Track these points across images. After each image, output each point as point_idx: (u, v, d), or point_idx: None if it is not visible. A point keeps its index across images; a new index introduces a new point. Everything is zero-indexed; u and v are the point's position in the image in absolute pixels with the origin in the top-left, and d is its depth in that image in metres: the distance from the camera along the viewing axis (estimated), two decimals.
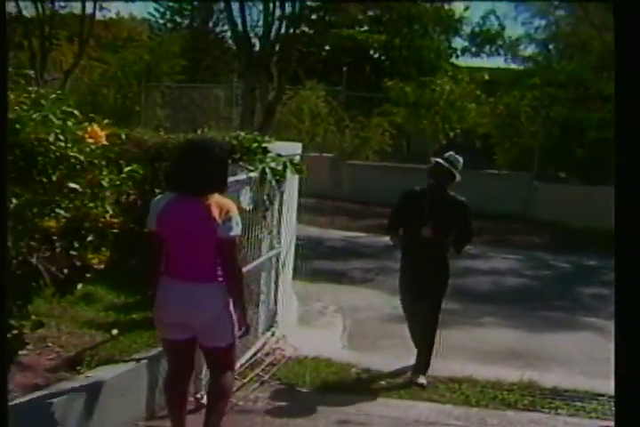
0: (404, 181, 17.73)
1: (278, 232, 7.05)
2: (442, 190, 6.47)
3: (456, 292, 10.93)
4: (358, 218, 16.78)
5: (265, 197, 6.50)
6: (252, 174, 6.21)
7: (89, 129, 3.97)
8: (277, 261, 7.13)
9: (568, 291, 11.29)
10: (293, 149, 7.64)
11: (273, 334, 7.16)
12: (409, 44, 24.63)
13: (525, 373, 6.92)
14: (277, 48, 17.03)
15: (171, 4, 30.67)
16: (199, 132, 7.33)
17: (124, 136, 4.61)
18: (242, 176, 6.02)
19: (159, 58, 21.50)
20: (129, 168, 4.40)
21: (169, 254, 4.41)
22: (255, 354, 6.64)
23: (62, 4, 19.29)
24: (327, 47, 28.97)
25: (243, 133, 7.04)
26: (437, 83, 20.51)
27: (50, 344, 5.17)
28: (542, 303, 10.52)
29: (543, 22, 26.70)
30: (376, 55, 27.30)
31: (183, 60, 22.88)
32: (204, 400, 5.39)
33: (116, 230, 4.88)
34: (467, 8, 26.71)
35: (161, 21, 31.61)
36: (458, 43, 27.63)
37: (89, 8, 18.77)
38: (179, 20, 31.52)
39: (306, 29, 29.45)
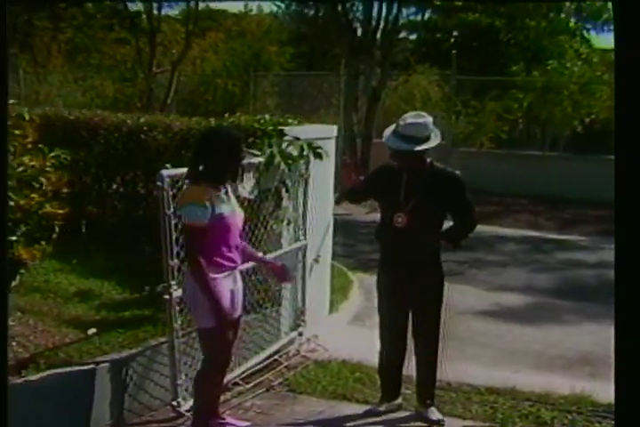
0: (521, 169, 17.14)
1: (303, 223, 6.45)
2: (420, 163, 4.86)
3: (548, 286, 10.09)
4: None
5: (278, 185, 5.93)
6: (256, 160, 5.66)
7: None
8: (304, 255, 6.52)
9: None
10: (326, 131, 7.00)
11: (300, 335, 6.56)
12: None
13: (583, 384, 6.03)
14: (380, 33, 16.33)
15: None
16: (226, 116, 6.82)
17: (27, 117, 4.12)
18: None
19: (266, 46, 21.25)
20: (52, 153, 3.94)
21: None
22: (271, 356, 6.09)
23: None
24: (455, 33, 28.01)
25: (267, 116, 6.51)
26: (566, 66, 19.26)
27: (14, 344, 4.79)
28: None
29: None
30: (505, 39, 26.06)
31: (291, 48, 22.55)
32: (182, 408, 4.93)
33: (60, 222, 4.49)
34: None
35: (286, 12, 31.46)
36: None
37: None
38: (305, 10, 31.21)
39: (433, 16, 28.74)
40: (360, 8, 16.78)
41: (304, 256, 6.52)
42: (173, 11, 25.74)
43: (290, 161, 5.79)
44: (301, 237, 6.45)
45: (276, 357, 6.14)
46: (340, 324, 7.64)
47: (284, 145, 5.97)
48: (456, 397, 5.73)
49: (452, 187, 4.90)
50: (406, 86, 18.62)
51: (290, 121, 6.44)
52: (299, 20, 30.60)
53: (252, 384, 5.61)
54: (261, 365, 5.95)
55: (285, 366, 6.12)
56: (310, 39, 27.91)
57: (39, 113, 7.52)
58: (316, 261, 6.72)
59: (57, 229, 4.37)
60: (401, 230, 4.85)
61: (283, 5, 31.56)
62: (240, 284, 4.57)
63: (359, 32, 16.93)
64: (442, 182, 4.87)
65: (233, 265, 4.36)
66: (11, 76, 22.10)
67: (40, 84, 21.99)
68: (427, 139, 4.80)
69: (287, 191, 6.05)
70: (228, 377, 5.46)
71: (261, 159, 5.70)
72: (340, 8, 16.48)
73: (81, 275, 6.35)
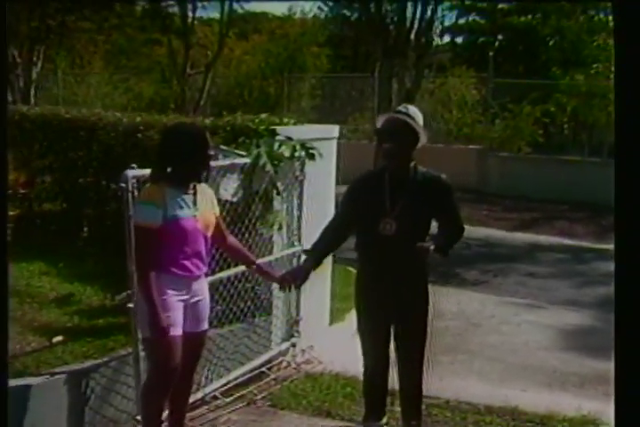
0: (561, 175, 16.58)
1: (298, 228, 6.12)
2: (405, 164, 4.45)
3: (578, 298, 9.53)
4: (501, 214, 15.48)
5: (267, 187, 5.61)
6: (240, 160, 5.36)
7: None
8: (299, 262, 6.19)
9: None
10: (326, 132, 6.67)
11: (293, 346, 6.24)
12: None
13: (593, 404, 5.60)
14: (413, 35, 15.95)
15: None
16: (224, 114, 6.55)
17: None
18: (222, 162, 5.20)
19: (302, 48, 21.04)
20: None
21: None
22: (258, 368, 5.77)
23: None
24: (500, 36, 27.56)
25: (263, 115, 6.23)
26: (612, 69, 18.65)
27: None
28: None
29: None
30: (550, 42, 25.50)
31: (328, 49, 22.31)
32: None
33: (11, 224, 4.24)
34: None
35: (330, 16, 31.22)
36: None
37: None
38: (347, 13, 30.92)
39: (477, 18, 28.30)
40: (394, 8, 16.37)
41: (299, 262, 6.19)
42: (212, 13, 25.72)
43: (277, 162, 5.46)
44: (296, 243, 6.13)
45: (263, 369, 5.80)
46: (343, 335, 7.23)
47: (276, 145, 5.66)
48: (451, 416, 5.35)
49: (438, 190, 4.50)
50: (442, 89, 18.24)
51: (286, 120, 6.14)
52: (342, 22, 30.40)
53: (232, 398, 5.30)
54: (246, 377, 5.64)
55: (274, 379, 5.81)
56: (352, 42, 27.74)
57: (37, 112, 7.38)
58: None
59: (9, 232, 4.11)
60: (388, 238, 4.40)
61: (326, 8, 31.44)
62: (203, 295, 4.23)
63: (394, 33, 16.54)
64: (428, 185, 4.46)
65: (187, 274, 4.02)
66: (50, 77, 22.22)
67: (79, 85, 22.05)
68: (417, 130, 4.46)
69: (278, 194, 5.73)
70: (206, 390, 5.18)
71: (247, 160, 5.39)
72: (373, 9, 16.15)
73: (65, 279, 6.12)
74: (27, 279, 6.11)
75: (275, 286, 5.96)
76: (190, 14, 18.81)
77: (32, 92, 19.55)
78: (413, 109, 4.53)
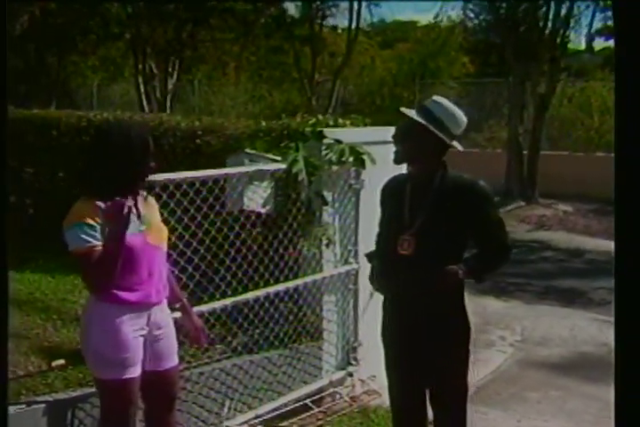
0: None
1: (355, 244, 5.44)
2: (428, 170, 3.65)
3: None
4: None
5: (308, 196, 4.97)
6: (270, 166, 4.77)
7: None
8: (356, 281, 5.50)
9: None
10: (386, 135, 5.89)
11: (350, 375, 5.55)
12: None
13: None
14: (547, 36, 14.95)
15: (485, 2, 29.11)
16: (283, 116, 6.00)
17: None
18: (247, 168, 4.63)
19: (435, 54, 20.34)
20: None
21: None
22: (302, 400, 5.11)
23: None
24: None
25: (321, 117, 5.65)
26: None
27: None
28: None
29: None
30: None
31: (462, 55, 21.45)
32: None
33: None
34: None
35: (476, 22, 30.16)
36: None
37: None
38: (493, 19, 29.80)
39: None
40: (526, 8, 15.42)
41: (355, 283, 5.50)
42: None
43: (313, 169, 4.79)
44: (351, 260, 5.45)
45: (307, 401, 5.14)
46: None
47: (322, 149, 5.04)
48: None
49: (471, 200, 3.57)
50: (583, 94, 17.08)
51: (340, 121, 5.51)
52: (487, 28, 29.35)
53: None
54: (287, 409, 4.99)
55: (321, 412, 5.13)
56: (498, 48, 26.76)
57: (103, 118, 7.07)
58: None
59: None
60: (406, 259, 3.60)
61: (472, 15, 30.42)
62: (167, 326, 3.51)
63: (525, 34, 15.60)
64: (457, 195, 3.57)
65: (144, 301, 3.32)
66: (187, 87, 22.50)
67: (215, 95, 22.23)
68: (452, 133, 3.61)
69: (325, 204, 5.08)
70: (227, 424, 4.60)
71: (282, 165, 4.78)
72: (503, 11, 15.27)
73: None
74: (65, 294, 5.74)
75: (325, 308, 5.35)
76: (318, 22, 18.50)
77: (168, 102, 19.79)
78: (442, 104, 3.66)
